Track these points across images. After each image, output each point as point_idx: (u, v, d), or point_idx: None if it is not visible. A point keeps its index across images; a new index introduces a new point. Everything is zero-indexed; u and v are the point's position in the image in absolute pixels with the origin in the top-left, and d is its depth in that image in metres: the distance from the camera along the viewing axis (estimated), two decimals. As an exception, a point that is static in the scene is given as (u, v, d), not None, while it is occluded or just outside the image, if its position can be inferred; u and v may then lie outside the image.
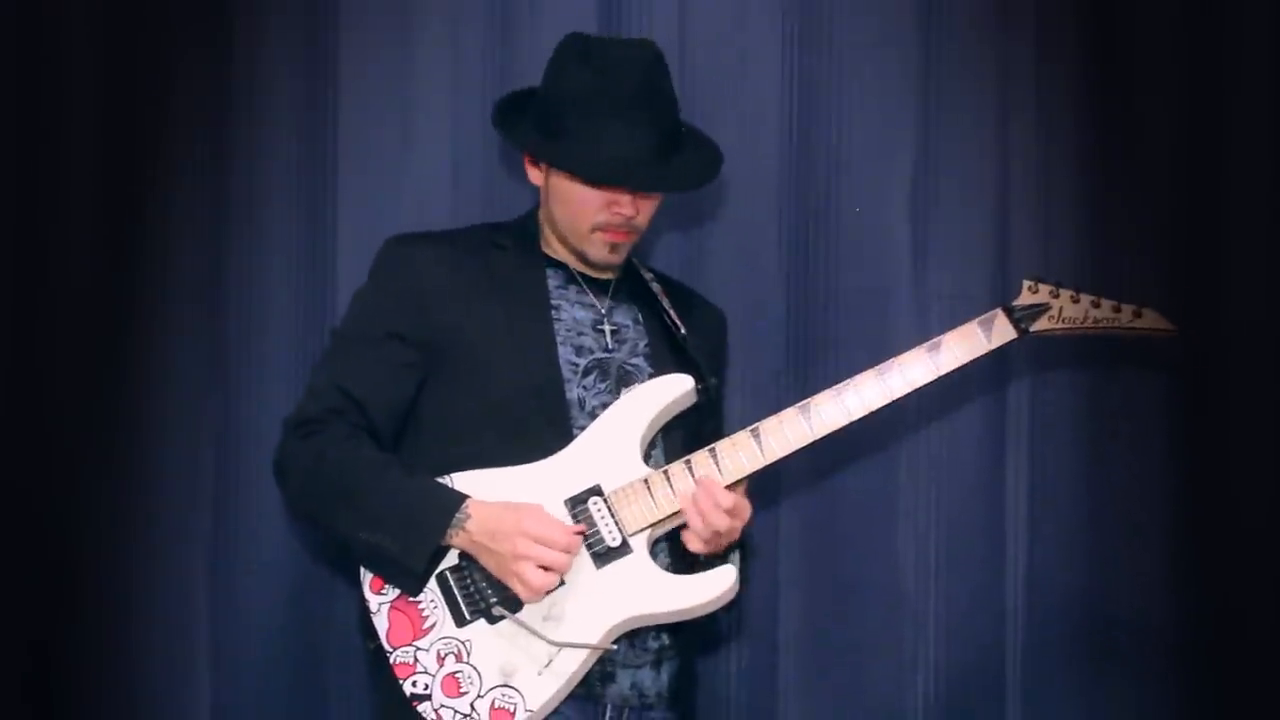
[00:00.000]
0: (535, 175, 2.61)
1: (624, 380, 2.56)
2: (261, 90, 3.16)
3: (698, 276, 3.10)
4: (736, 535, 2.49)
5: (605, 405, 2.52)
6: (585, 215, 2.53)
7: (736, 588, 2.45)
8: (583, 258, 2.59)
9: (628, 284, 2.67)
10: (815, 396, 2.50)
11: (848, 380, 2.50)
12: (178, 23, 3.10)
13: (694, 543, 2.44)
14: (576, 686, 2.40)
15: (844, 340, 3.19)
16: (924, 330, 3.18)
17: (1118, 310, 2.54)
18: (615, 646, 2.41)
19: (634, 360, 2.59)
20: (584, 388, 2.52)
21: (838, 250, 3.20)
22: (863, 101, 3.21)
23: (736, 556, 2.51)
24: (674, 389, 2.52)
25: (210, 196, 3.14)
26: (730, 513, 2.44)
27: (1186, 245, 3.20)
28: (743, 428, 2.51)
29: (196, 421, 3.14)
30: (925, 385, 2.51)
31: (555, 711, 2.40)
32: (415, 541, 2.39)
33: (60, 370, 3.04)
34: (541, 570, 2.35)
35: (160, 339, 3.12)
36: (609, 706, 2.48)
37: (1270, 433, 3.12)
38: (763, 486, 2.85)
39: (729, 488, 2.45)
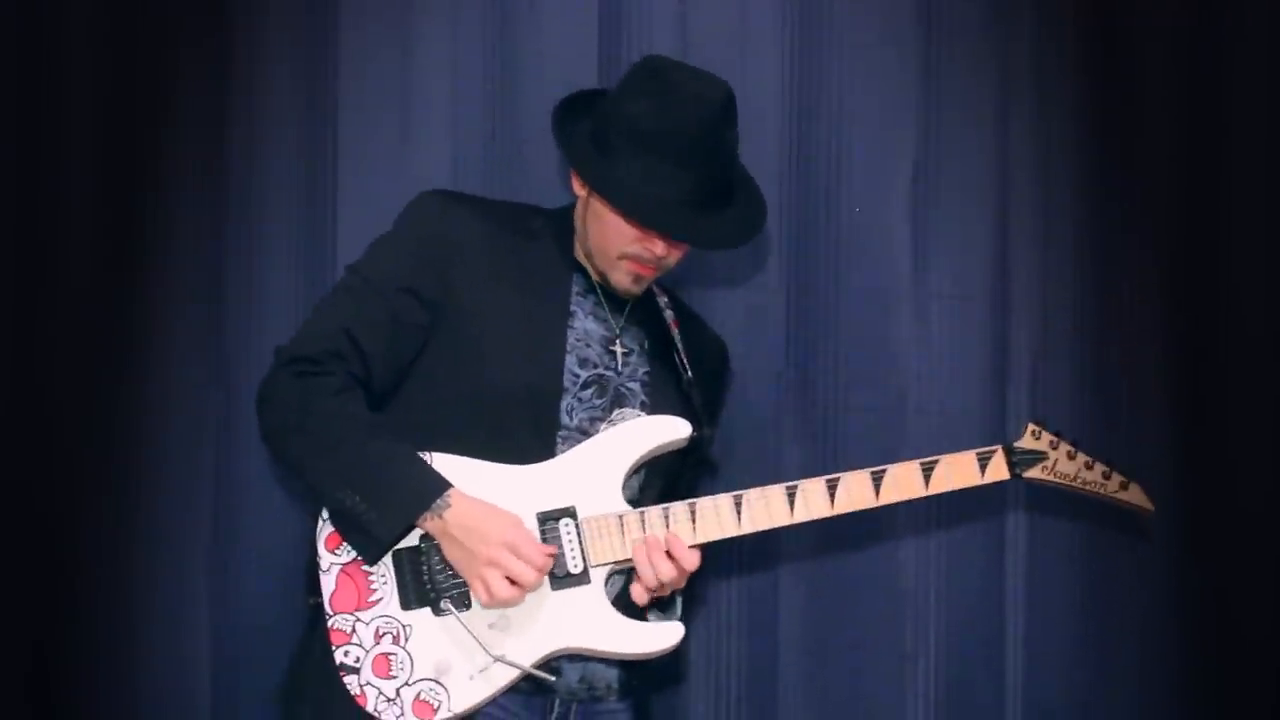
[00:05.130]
0: (578, 185, 2.54)
1: (618, 401, 2.53)
2: (261, 90, 3.15)
3: (698, 275, 3.10)
4: (681, 584, 2.46)
5: (594, 420, 2.49)
6: (617, 243, 2.48)
7: (678, 644, 2.43)
8: (604, 279, 2.55)
9: (642, 306, 2.63)
10: (804, 482, 2.47)
11: (839, 475, 2.47)
12: (178, 23, 3.09)
13: (639, 594, 2.41)
14: (523, 680, 2.37)
15: (844, 340, 3.19)
16: (924, 330, 3.20)
17: (1107, 477, 2.56)
18: (553, 677, 2.38)
19: (631, 384, 2.56)
20: (578, 400, 2.49)
21: (838, 250, 3.20)
22: (863, 101, 3.21)
23: (679, 605, 2.49)
24: (671, 432, 2.49)
25: (210, 196, 3.13)
26: (687, 571, 2.41)
27: (1186, 244, 3.21)
28: (728, 476, 2.47)
29: (197, 421, 3.13)
30: (912, 500, 2.51)
31: (498, 704, 2.38)
32: (391, 513, 2.35)
33: (60, 370, 3.04)
34: (508, 583, 2.32)
35: (160, 339, 3.11)
36: (557, 700, 2.46)
37: (1269, 426, 3.14)
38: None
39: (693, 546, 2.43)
